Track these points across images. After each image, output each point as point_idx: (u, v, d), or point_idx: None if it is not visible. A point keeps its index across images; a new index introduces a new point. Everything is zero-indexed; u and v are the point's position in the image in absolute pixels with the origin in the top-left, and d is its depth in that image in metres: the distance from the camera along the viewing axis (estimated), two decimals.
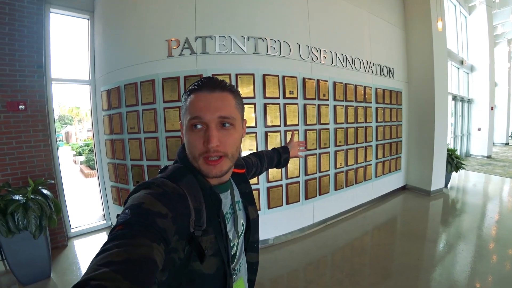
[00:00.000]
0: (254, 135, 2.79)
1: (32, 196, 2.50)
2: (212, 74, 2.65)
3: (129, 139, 2.99)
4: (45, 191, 2.67)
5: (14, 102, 2.97)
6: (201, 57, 2.66)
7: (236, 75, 2.67)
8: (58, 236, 3.22)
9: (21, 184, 2.91)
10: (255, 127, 2.78)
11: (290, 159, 1.31)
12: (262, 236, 2.92)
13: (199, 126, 0.59)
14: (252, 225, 0.78)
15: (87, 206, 4.75)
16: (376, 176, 4.22)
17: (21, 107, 3.02)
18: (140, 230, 0.44)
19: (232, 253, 0.70)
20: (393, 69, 4.42)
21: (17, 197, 2.43)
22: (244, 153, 2.73)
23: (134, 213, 0.47)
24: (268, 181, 2.91)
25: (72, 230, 3.55)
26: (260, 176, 2.85)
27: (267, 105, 2.80)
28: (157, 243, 0.45)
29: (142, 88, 2.82)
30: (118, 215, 0.49)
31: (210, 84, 0.61)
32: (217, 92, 0.60)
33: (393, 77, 4.44)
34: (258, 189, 2.86)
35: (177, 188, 0.56)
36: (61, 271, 2.64)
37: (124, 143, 3.05)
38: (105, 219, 3.76)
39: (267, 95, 2.78)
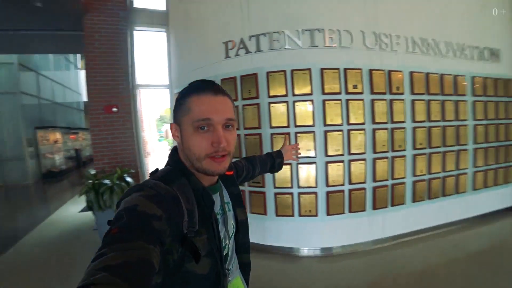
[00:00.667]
0: (312, 134, 2.62)
1: (117, 182, 3.02)
2: (267, 72, 2.64)
3: None
4: (128, 179, 3.19)
5: (109, 106, 3.66)
6: (256, 55, 2.69)
7: (292, 71, 2.58)
8: None
9: (113, 171, 3.55)
10: (313, 125, 2.61)
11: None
12: (319, 243, 2.72)
13: (205, 128, 0.61)
14: (241, 226, 0.80)
15: None
16: (474, 189, 3.37)
17: (114, 109, 3.69)
18: (136, 233, 0.45)
19: (224, 254, 0.70)
20: (498, 50, 3.46)
21: (106, 181, 2.97)
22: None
23: (129, 216, 0.47)
24: (327, 185, 2.68)
25: None
26: (319, 179, 2.65)
27: (326, 102, 2.59)
28: (153, 245, 0.46)
29: None
30: (109, 221, 0.50)
31: (213, 87, 0.63)
32: (220, 96, 0.64)
33: (498, 62, 3.47)
34: (315, 193, 2.67)
35: (170, 189, 0.57)
36: None
37: None
38: None
39: (325, 91, 2.58)
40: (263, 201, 2.79)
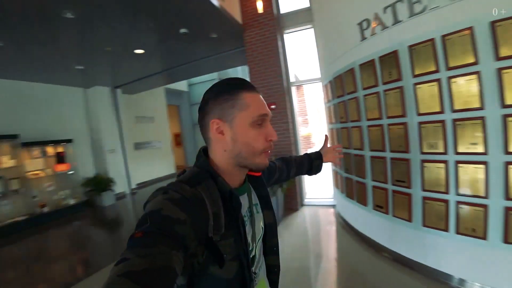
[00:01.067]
0: (480, 121, 1.96)
1: None
2: (409, 46, 2.30)
3: (341, 128, 3.44)
4: None
5: (269, 104, 4.56)
6: (393, 29, 2.42)
7: (443, 37, 2.08)
8: (293, 202, 4.55)
9: None
10: (481, 108, 1.96)
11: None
12: (488, 280, 2.03)
13: (261, 123, 0.67)
14: (268, 229, 0.84)
15: (323, 184, 5.89)
16: None
17: (273, 106, 4.54)
18: (159, 238, 0.48)
19: (251, 256, 0.72)
20: None
21: None
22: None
23: (153, 220, 0.51)
24: (507, 197, 1.88)
25: (306, 200, 4.81)
26: (491, 187, 1.92)
27: (503, 72, 1.85)
28: (176, 250, 0.48)
29: (345, 79, 3.12)
30: (138, 221, 0.54)
31: (253, 86, 0.71)
32: (259, 93, 0.72)
33: None
34: (485, 206, 1.92)
35: (195, 192, 0.60)
36: (289, 224, 3.96)
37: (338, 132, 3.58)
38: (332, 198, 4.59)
39: (501, 55, 1.84)
40: (407, 204, 2.50)
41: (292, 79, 4.74)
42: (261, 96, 0.71)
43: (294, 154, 4.54)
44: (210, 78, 10.90)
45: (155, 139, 9.92)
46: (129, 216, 6.04)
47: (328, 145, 1.34)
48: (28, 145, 5.69)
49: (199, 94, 11.65)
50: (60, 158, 6.29)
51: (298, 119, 4.99)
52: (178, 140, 12.82)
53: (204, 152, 0.73)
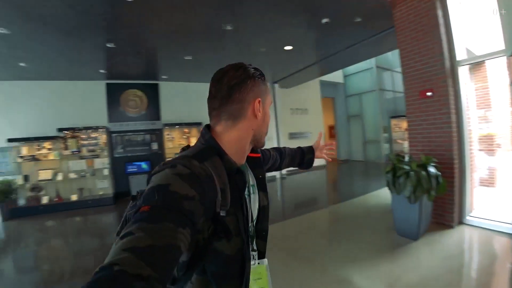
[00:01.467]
0: None
1: (416, 169, 3.21)
2: None
3: None
4: (431, 169, 3.23)
5: (424, 90, 3.81)
6: None
7: None
8: (446, 215, 3.59)
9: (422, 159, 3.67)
10: None
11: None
12: None
13: None
14: (261, 211, 0.83)
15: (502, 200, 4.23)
16: None
17: (429, 93, 3.76)
18: (166, 214, 0.47)
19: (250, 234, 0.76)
20: None
21: (406, 166, 3.30)
22: None
23: (161, 195, 0.50)
24: None
25: (469, 218, 3.62)
26: None
27: None
28: (182, 227, 0.48)
29: None
30: (140, 193, 0.57)
31: None
32: None
33: None
34: None
35: (204, 167, 0.60)
36: (435, 242, 3.13)
37: None
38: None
39: None
40: None
41: (459, 57, 3.62)
42: None
43: (456, 155, 3.54)
44: (366, 67, 10.23)
45: (308, 130, 10.50)
46: (274, 197, 6.79)
47: (321, 143, 1.37)
48: None
49: (355, 85, 11.20)
50: None
51: (470, 111, 3.78)
52: (332, 132, 12.89)
53: (208, 128, 0.75)
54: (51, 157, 6.37)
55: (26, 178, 6.21)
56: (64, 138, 6.49)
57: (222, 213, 0.62)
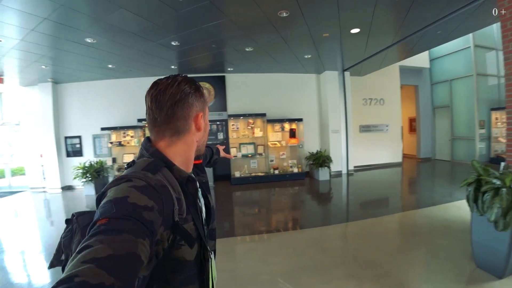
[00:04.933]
0: None
1: (510, 185, 2.43)
2: None
3: None
4: None
5: None
6: None
7: None
8: None
9: None
10: None
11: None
12: None
13: None
14: (212, 212, 0.87)
15: None
16: None
17: None
18: (125, 225, 0.47)
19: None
20: None
21: (496, 180, 2.52)
22: None
23: (119, 207, 0.49)
24: None
25: None
26: None
27: None
28: (142, 238, 0.47)
29: None
30: (76, 215, 0.57)
31: None
32: None
33: None
34: None
35: (159, 179, 0.61)
36: None
37: None
38: None
39: None
40: None
41: None
42: None
43: None
44: (460, 47, 8.31)
45: (383, 123, 9.31)
46: (338, 193, 6.38)
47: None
48: (272, 121, 7.81)
49: (444, 70, 9.29)
50: (292, 133, 7.82)
51: None
52: (412, 125, 11.12)
53: (150, 142, 0.74)
54: (132, 143, 7.37)
55: (114, 160, 7.38)
56: (142, 127, 7.37)
57: (181, 221, 0.63)
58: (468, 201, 2.64)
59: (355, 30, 4.83)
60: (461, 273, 2.53)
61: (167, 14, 3.88)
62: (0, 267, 3.12)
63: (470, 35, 7.68)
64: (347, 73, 8.12)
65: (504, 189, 2.35)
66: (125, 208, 0.49)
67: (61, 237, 0.65)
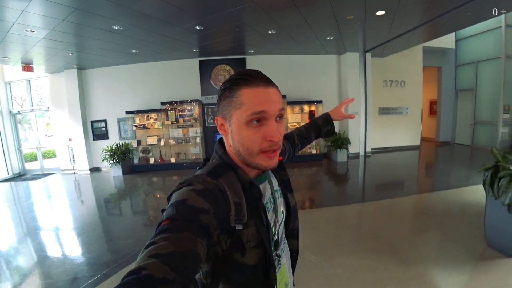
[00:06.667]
0: None
1: None
2: None
3: None
4: None
5: None
6: None
7: None
8: None
9: None
10: None
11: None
12: None
13: (259, 121, 0.65)
14: (292, 211, 0.86)
15: None
16: None
17: None
18: (185, 225, 0.51)
19: (274, 240, 0.77)
20: None
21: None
22: None
23: (179, 209, 0.54)
24: None
25: None
26: None
27: None
28: (200, 237, 0.51)
29: None
30: (163, 210, 0.58)
31: (264, 79, 0.67)
32: (271, 87, 0.67)
33: None
34: None
35: (217, 184, 0.63)
36: None
37: None
38: None
39: None
40: None
41: None
42: (269, 90, 0.66)
43: None
44: (490, 27, 7.96)
45: (403, 105, 9.28)
46: (356, 175, 6.63)
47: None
48: (292, 103, 7.99)
49: (470, 51, 8.98)
50: (312, 115, 7.98)
51: None
52: (433, 108, 10.99)
53: (221, 144, 0.76)
54: (156, 126, 7.76)
55: (138, 142, 7.84)
56: (165, 111, 7.72)
57: (238, 227, 0.64)
58: (484, 185, 2.83)
59: (380, 12, 4.84)
60: (473, 251, 2.78)
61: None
62: (38, 243, 3.56)
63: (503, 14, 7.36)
64: (368, 55, 8.07)
65: None
66: (184, 210, 0.54)
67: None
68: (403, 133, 9.42)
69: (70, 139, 8.04)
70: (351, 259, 2.76)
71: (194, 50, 7.03)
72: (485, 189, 2.84)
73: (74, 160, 8.12)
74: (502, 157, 2.88)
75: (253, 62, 8.08)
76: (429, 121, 10.91)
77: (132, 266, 0.43)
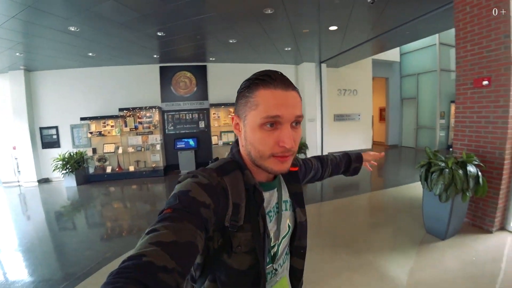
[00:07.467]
0: None
1: (452, 167, 3.06)
2: None
3: None
4: (471, 168, 3.02)
5: (479, 79, 3.44)
6: None
7: None
8: (487, 218, 3.35)
9: (463, 156, 3.45)
10: None
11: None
12: None
13: (273, 125, 0.61)
14: (299, 228, 0.80)
15: None
16: None
17: (485, 82, 3.40)
18: (186, 216, 0.52)
19: (272, 253, 0.74)
20: None
21: (441, 163, 3.16)
22: None
23: (182, 199, 0.55)
24: None
25: None
26: None
27: None
28: (200, 230, 0.53)
29: None
30: (168, 199, 0.58)
31: (284, 81, 0.63)
32: (291, 91, 0.63)
33: None
34: None
35: (221, 181, 0.63)
36: (456, 245, 3.01)
37: None
38: None
39: None
40: None
41: None
42: (288, 94, 0.63)
43: (508, 155, 3.21)
44: (427, 44, 9.15)
45: (355, 112, 10.10)
46: None
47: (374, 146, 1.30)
48: None
49: (412, 64, 10.16)
50: None
51: None
52: (382, 114, 12.12)
53: (237, 142, 0.74)
54: (113, 133, 7.43)
55: (94, 150, 7.41)
56: (123, 117, 7.44)
57: (232, 228, 0.63)
58: (421, 179, 3.28)
59: (333, 28, 5.32)
60: (414, 238, 3.20)
61: (156, 6, 4.04)
62: None
63: (437, 34, 8.50)
64: (323, 65, 8.67)
65: (446, 170, 2.99)
66: (186, 201, 0.55)
67: None
68: (356, 137, 10.23)
69: (14, 148, 7.32)
70: (311, 254, 2.97)
71: (155, 56, 6.94)
72: (421, 183, 3.29)
73: (19, 171, 7.40)
74: (433, 155, 3.36)
75: (214, 70, 8.21)
76: (379, 126, 12.02)
77: (130, 252, 0.44)
